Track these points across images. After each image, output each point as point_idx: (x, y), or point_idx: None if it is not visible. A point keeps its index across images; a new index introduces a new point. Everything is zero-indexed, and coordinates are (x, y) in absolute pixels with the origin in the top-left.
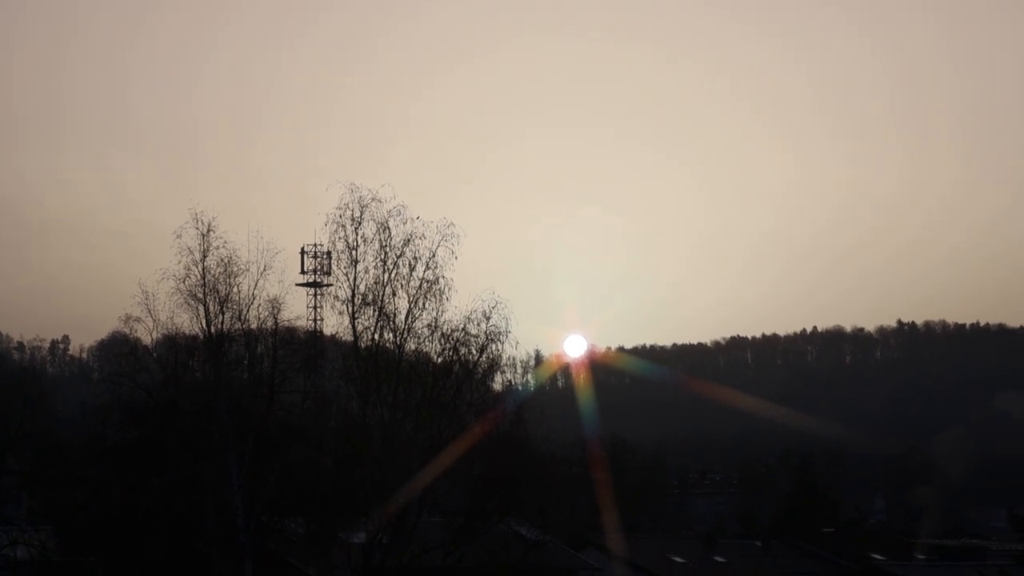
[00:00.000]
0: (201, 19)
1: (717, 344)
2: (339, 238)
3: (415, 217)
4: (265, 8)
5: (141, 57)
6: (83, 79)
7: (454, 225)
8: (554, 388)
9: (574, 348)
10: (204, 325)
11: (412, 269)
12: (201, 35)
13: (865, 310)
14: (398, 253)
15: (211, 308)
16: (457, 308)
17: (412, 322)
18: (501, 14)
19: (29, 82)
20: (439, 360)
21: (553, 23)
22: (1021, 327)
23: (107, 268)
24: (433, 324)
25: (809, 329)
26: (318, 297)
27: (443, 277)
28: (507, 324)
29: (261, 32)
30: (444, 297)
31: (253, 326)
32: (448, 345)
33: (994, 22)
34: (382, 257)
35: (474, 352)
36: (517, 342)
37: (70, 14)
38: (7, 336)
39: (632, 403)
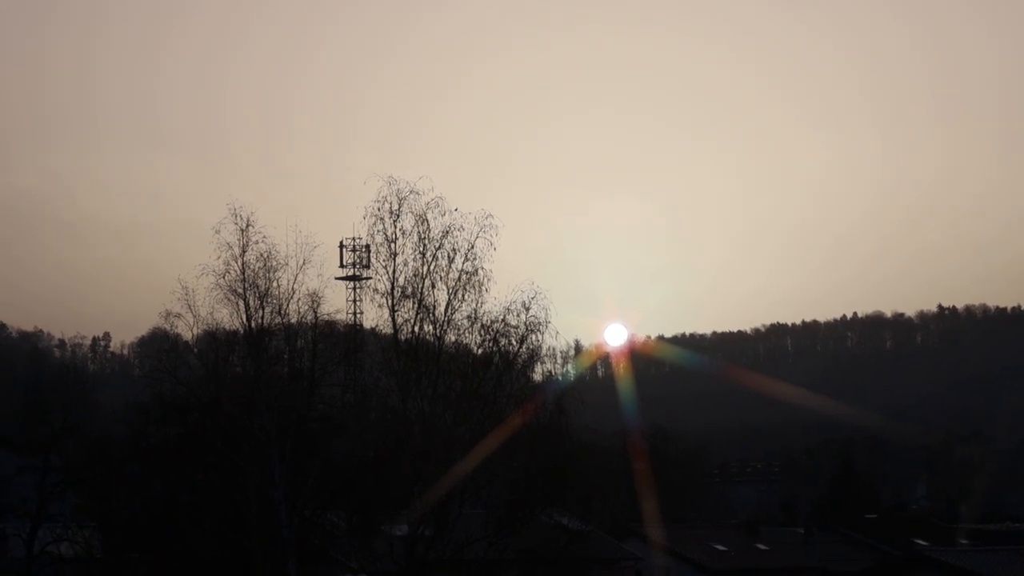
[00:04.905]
0: (235, 17)
1: (757, 332)
2: (378, 231)
3: (453, 209)
4: (298, 4)
5: (176, 55)
6: (118, 78)
7: (492, 216)
8: (594, 378)
9: (614, 337)
10: (244, 320)
11: (451, 261)
12: (235, 33)
13: (905, 295)
14: (437, 245)
15: (251, 303)
16: (496, 299)
17: (452, 314)
18: (538, 2)
19: (64, 82)
20: (479, 351)
21: (591, 12)
22: None
23: (146, 265)
24: (472, 315)
25: (849, 315)
26: (357, 290)
27: (482, 268)
28: (547, 314)
29: (294, 28)
30: (483, 288)
31: (293, 320)
32: (488, 336)
33: None
34: (421, 249)
35: (514, 343)
36: (557, 332)
37: (104, 14)
38: (48, 334)
39: (672, 392)
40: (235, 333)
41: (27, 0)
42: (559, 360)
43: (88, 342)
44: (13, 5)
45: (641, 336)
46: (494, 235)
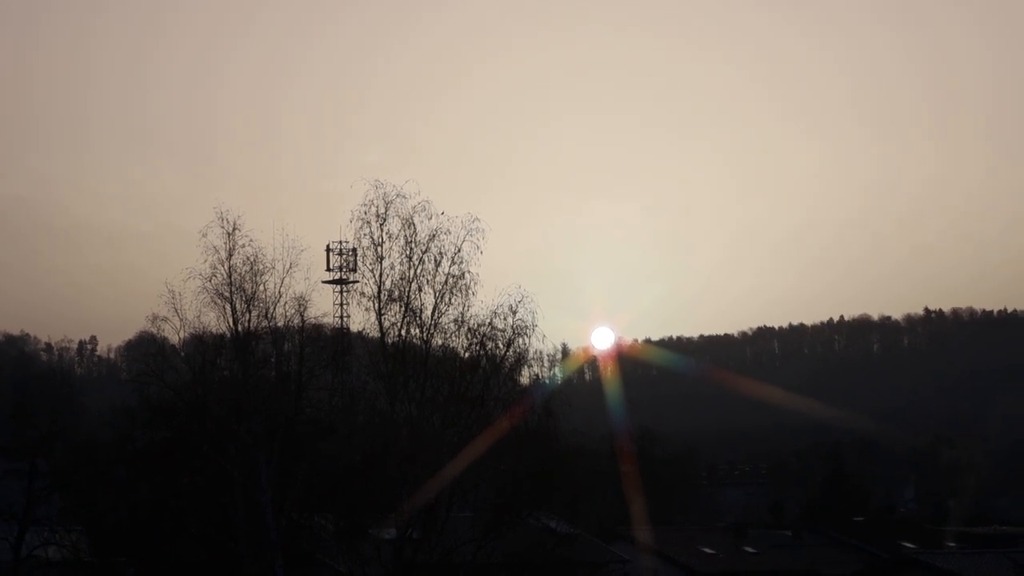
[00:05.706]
0: (223, 20)
1: (744, 335)
2: (364, 235)
3: (440, 213)
4: (287, 7)
5: (164, 60)
6: (106, 82)
7: (479, 220)
8: (582, 381)
9: (601, 341)
10: (231, 324)
11: (438, 264)
12: (224, 36)
13: (892, 298)
14: (423, 249)
15: (238, 306)
16: (483, 303)
17: (438, 317)
18: (527, 6)
19: (52, 86)
20: (466, 355)
21: (581, 15)
22: None
23: (133, 269)
24: (459, 319)
25: (836, 318)
26: (344, 294)
27: (469, 272)
28: (534, 318)
29: (283, 32)
30: (470, 292)
31: (280, 324)
32: (475, 340)
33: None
34: (407, 253)
35: (501, 347)
36: (544, 336)
37: (93, 18)
38: (35, 338)
39: (660, 395)
40: (222, 337)
41: (16, 5)
42: (546, 363)
43: (75, 346)
44: (1, 10)
45: (628, 339)
46: (481, 239)
